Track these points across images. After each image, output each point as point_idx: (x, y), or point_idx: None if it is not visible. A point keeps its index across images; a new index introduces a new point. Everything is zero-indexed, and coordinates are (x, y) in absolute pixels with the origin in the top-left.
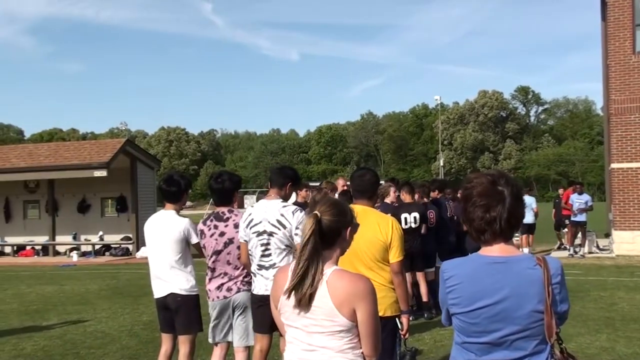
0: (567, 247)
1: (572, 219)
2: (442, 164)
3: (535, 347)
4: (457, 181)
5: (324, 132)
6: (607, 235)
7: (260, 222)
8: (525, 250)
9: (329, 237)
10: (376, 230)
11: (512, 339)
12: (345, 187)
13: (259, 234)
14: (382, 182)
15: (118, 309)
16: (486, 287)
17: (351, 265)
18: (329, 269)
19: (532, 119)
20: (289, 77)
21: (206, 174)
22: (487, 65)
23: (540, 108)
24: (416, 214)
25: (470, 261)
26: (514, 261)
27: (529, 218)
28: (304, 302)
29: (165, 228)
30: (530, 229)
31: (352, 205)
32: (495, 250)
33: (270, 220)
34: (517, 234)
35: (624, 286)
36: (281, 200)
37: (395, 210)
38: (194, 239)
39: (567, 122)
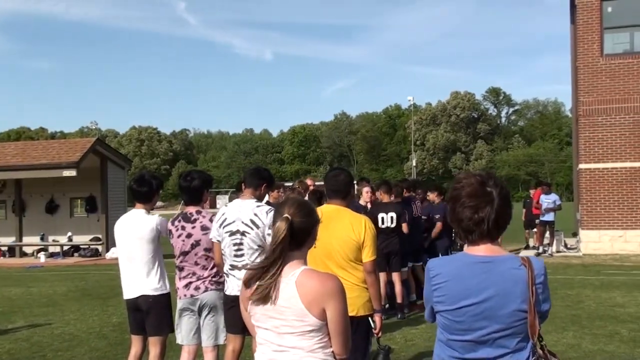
0: (536, 246)
1: (541, 218)
2: (414, 164)
3: (518, 345)
4: (428, 181)
5: (298, 132)
6: (575, 234)
7: (234, 221)
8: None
9: (300, 237)
10: (349, 230)
11: (496, 337)
12: (313, 187)
13: (232, 233)
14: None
15: (87, 310)
16: (471, 286)
17: (324, 265)
18: (297, 269)
19: (503, 120)
20: (263, 77)
21: (178, 174)
22: (460, 67)
23: (511, 109)
24: (393, 214)
25: (457, 260)
26: (500, 261)
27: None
28: (261, 297)
29: (135, 228)
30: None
31: (326, 205)
32: (481, 250)
33: (244, 219)
34: None
35: (590, 284)
36: (255, 200)
37: (372, 210)
38: (212, 237)
39: (537, 123)
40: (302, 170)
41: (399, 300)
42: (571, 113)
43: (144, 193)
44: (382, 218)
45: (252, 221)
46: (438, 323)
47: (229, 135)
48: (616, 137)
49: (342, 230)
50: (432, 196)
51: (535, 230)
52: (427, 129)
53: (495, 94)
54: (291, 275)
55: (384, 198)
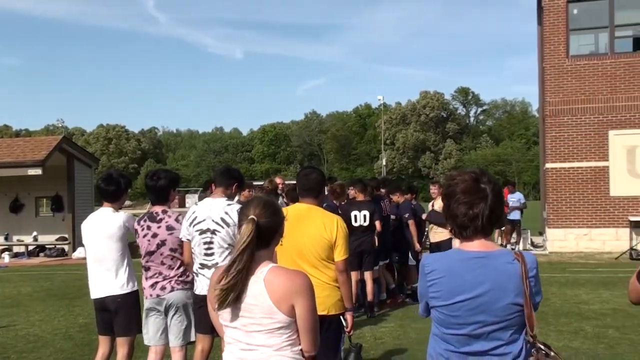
0: (503, 244)
1: (507, 217)
2: (384, 163)
3: (511, 337)
4: (397, 180)
5: (268, 131)
6: (541, 233)
7: (204, 220)
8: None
9: (267, 237)
10: (321, 229)
11: (490, 330)
12: (282, 186)
13: (202, 232)
14: None
15: (52, 311)
16: (467, 281)
17: (295, 264)
18: (265, 267)
19: (472, 119)
20: (233, 76)
21: (146, 172)
22: (429, 67)
23: (479, 109)
24: (366, 212)
25: (451, 256)
26: (494, 256)
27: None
28: (230, 301)
29: (103, 226)
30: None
31: (297, 204)
32: (475, 246)
33: (214, 218)
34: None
35: (556, 282)
36: (226, 198)
37: (345, 208)
38: (182, 235)
39: (504, 123)
40: (272, 169)
41: (369, 298)
42: (538, 113)
43: (112, 192)
44: (355, 216)
45: (222, 219)
46: (433, 318)
47: (199, 133)
48: (581, 137)
49: (314, 229)
50: (395, 197)
51: (503, 228)
52: (396, 128)
53: (464, 93)
54: (259, 272)
55: (359, 196)
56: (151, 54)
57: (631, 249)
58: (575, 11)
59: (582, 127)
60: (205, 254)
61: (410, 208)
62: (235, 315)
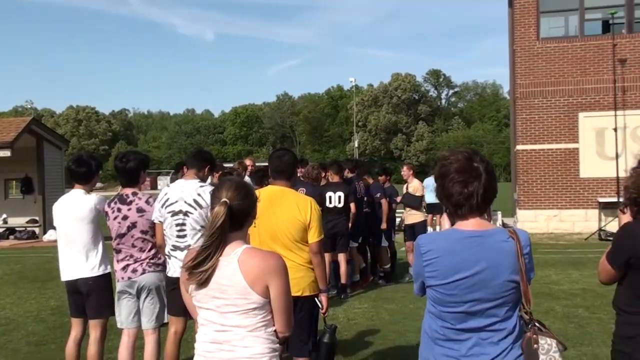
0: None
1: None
2: (357, 145)
3: (506, 313)
4: (370, 162)
5: (240, 113)
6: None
7: (176, 201)
8: (437, 229)
9: (240, 219)
10: (295, 211)
11: (486, 307)
12: (252, 167)
13: (175, 213)
14: None
15: (23, 294)
16: (463, 260)
17: (269, 246)
18: (239, 248)
19: (443, 101)
20: (204, 57)
21: (116, 154)
22: (401, 49)
23: (451, 91)
24: (341, 193)
25: (447, 235)
26: (489, 235)
27: (431, 198)
28: (201, 281)
29: (74, 208)
30: (436, 208)
31: (270, 186)
32: (470, 225)
33: (187, 199)
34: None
35: None
36: (199, 180)
37: (321, 189)
38: (154, 217)
39: (476, 105)
40: (244, 151)
41: (343, 280)
42: (509, 95)
43: (83, 173)
44: (330, 197)
45: (195, 201)
46: (429, 296)
47: (170, 115)
48: (552, 119)
49: (288, 210)
50: (366, 179)
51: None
52: (368, 110)
53: (435, 75)
54: (233, 254)
55: (333, 178)
56: (121, 35)
57: (600, 229)
58: None
59: (552, 109)
60: (178, 236)
61: (381, 188)
62: (209, 297)
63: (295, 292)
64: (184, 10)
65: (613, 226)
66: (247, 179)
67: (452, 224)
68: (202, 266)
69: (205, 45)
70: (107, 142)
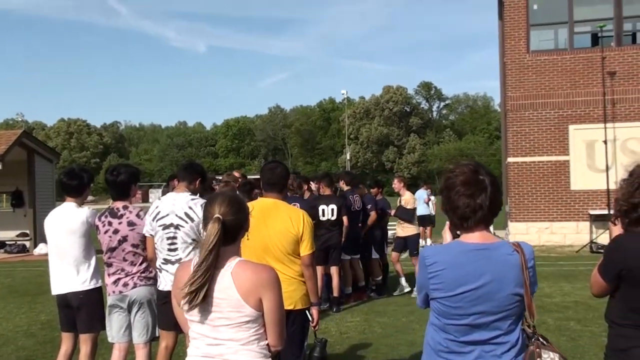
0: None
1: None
2: (348, 157)
3: (509, 327)
4: (362, 174)
5: (232, 125)
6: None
7: (168, 214)
8: (428, 241)
9: (233, 234)
10: (288, 223)
11: (490, 320)
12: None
13: (166, 227)
14: None
15: (13, 308)
16: (469, 273)
17: (261, 259)
18: (233, 261)
19: (435, 114)
20: (196, 70)
21: (107, 167)
22: (392, 61)
23: (442, 103)
24: (334, 206)
25: (453, 248)
26: (494, 248)
27: (422, 210)
28: (197, 303)
29: (66, 222)
30: (426, 221)
31: (262, 199)
32: (476, 238)
33: (178, 213)
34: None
35: None
36: (190, 193)
37: (314, 202)
38: (145, 231)
39: (467, 117)
40: (236, 164)
41: (335, 293)
42: (500, 108)
43: (75, 186)
44: (323, 210)
45: (186, 214)
46: (433, 309)
47: (162, 128)
48: (542, 131)
49: (281, 223)
50: (357, 191)
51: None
52: (360, 123)
53: (426, 88)
54: (227, 267)
55: (325, 191)
56: (112, 47)
57: (591, 242)
58: (535, 7)
59: (543, 121)
60: (169, 249)
61: (373, 200)
62: (202, 310)
63: (287, 305)
64: (176, 22)
65: (604, 239)
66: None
67: (455, 236)
68: (199, 285)
69: (197, 58)
70: (98, 154)
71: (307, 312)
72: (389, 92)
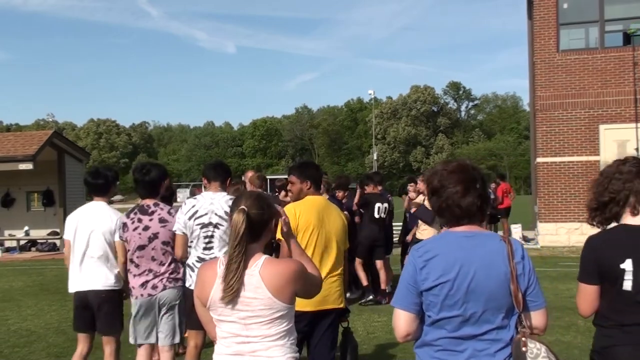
0: None
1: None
2: (375, 157)
3: (502, 321)
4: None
5: (259, 126)
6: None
7: (206, 213)
8: None
9: (257, 230)
10: (342, 219)
11: (481, 312)
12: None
13: (204, 225)
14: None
15: (44, 306)
16: (458, 258)
17: (320, 258)
18: (259, 260)
19: (463, 114)
20: (225, 70)
21: (134, 166)
22: (420, 61)
23: (471, 103)
24: (387, 205)
25: (442, 236)
26: (482, 236)
27: None
28: (233, 297)
29: (96, 220)
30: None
31: (311, 197)
32: (465, 228)
33: (217, 211)
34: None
35: (548, 276)
36: (226, 193)
37: (369, 198)
38: (117, 236)
39: (495, 117)
40: (263, 164)
41: (383, 286)
42: (529, 107)
43: (100, 185)
44: (379, 208)
45: (226, 213)
46: (425, 306)
47: (190, 128)
48: (572, 131)
49: (338, 220)
50: (369, 189)
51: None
52: (388, 123)
53: (455, 88)
54: (254, 266)
55: (375, 189)
56: (142, 48)
57: None
58: (565, 5)
59: (572, 121)
60: (205, 248)
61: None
62: (233, 309)
63: (338, 303)
64: (205, 23)
65: None
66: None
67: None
68: (231, 279)
69: (226, 58)
70: (127, 155)
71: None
72: (417, 92)
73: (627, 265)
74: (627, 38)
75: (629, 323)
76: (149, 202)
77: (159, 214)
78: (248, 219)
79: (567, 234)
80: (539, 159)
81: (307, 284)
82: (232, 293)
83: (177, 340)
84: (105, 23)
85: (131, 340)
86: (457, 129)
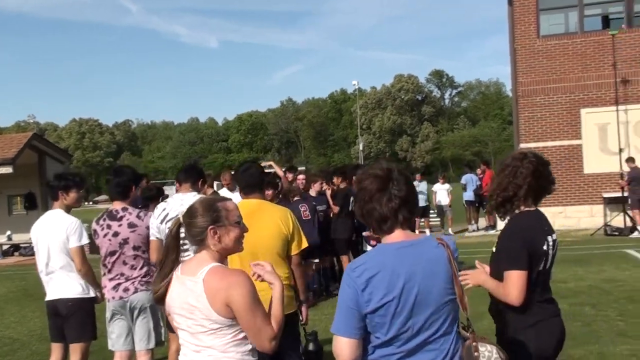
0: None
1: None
2: (361, 148)
3: (447, 328)
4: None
5: (244, 120)
6: None
7: (176, 215)
8: (427, 232)
9: (197, 237)
10: (277, 224)
11: (428, 323)
12: (229, 183)
13: None
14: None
15: (28, 312)
16: (400, 273)
17: (248, 265)
18: (206, 267)
19: (447, 101)
20: (208, 65)
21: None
22: (403, 50)
23: (454, 91)
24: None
25: (378, 251)
26: (419, 243)
27: (422, 202)
28: (159, 297)
29: (53, 230)
30: (424, 212)
31: (245, 200)
32: (398, 237)
33: None
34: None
35: None
36: (197, 193)
37: (346, 193)
38: (73, 242)
39: (479, 104)
40: (250, 158)
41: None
42: (512, 93)
43: (60, 187)
44: (352, 201)
45: None
46: (370, 328)
47: (174, 124)
48: (554, 116)
49: (270, 224)
50: (337, 181)
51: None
52: (372, 113)
53: (438, 76)
54: (199, 273)
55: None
56: (123, 45)
57: (606, 225)
58: None
59: (554, 106)
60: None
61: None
62: (181, 317)
63: (287, 310)
64: (186, 18)
65: (618, 221)
66: (225, 192)
67: (376, 242)
68: (158, 282)
69: (209, 53)
70: (111, 154)
71: (298, 313)
72: (401, 81)
73: (545, 246)
74: (607, 22)
75: (543, 299)
76: (117, 206)
77: (128, 219)
78: (183, 227)
79: (552, 218)
80: (522, 145)
81: (243, 300)
82: (156, 295)
83: (152, 344)
84: (84, 21)
85: (109, 346)
86: (441, 116)
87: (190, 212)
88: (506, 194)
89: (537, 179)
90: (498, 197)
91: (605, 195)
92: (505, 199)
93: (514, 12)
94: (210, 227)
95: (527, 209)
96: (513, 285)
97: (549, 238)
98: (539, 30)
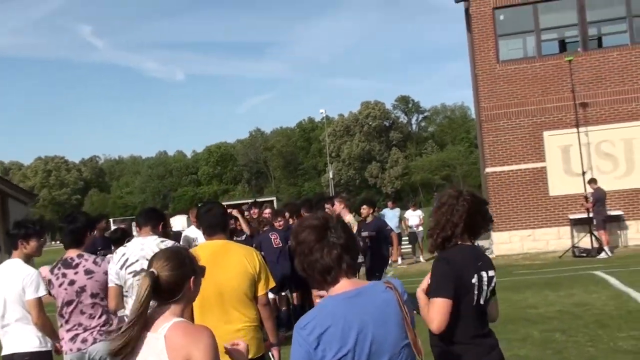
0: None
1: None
2: (331, 176)
3: None
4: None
5: (213, 152)
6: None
7: (137, 260)
8: (421, 258)
9: (171, 291)
10: (244, 264)
11: None
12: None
13: (137, 273)
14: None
15: None
16: (352, 325)
17: (212, 308)
18: (168, 323)
19: (414, 126)
20: (175, 98)
21: (91, 202)
22: (368, 77)
23: (421, 116)
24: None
25: (326, 305)
26: (367, 291)
27: (397, 229)
28: (125, 353)
29: (9, 281)
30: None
31: (209, 242)
32: (345, 286)
33: (148, 257)
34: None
35: (503, 287)
36: (157, 236)
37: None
38: (30, 294)
39: (446, 128)
40: (220, 190)
41: None
42: (476, 117)
43: (20, 236)
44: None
45: None
46: None
47: (142, 159)
48: (518, 139)
49: (236, 264)
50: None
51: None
52: (341, 140)
53: (404, 101)
54: (161, 329)
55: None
56: (89, 81)
57: (573, 246)
58: (501, 17)
59: (517, 130)
60: None
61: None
62: None
63: (252, 355)
64: (153, 52)
65: (585, 242)
66: (192, 230)
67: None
68: (125, 340)
69: (176, 86)
70: (78, 191)
71: (269, 355)
72: (368, 108)
73: (475, 280)
74: (563, 45)
75: (478, 334)
76: (72, 253)
77: (84, 266)
78: (157, 281)
79: (521, 241)
80: (488, 169)
81: (204, 357)
82: (119, 350)
83: None
84: (48, 58)
85: None
86: (409, 141)
87: (178, 263)
88: (445, 234)
89: (473, 216)
90: (437, 237)
91: (572, 216)
92: (445, 238)
93: (473, 38)
94: (193, 275)
95: (462, 243)
96: (436, 312)
97: (483, 274)
98: (498, 56)
